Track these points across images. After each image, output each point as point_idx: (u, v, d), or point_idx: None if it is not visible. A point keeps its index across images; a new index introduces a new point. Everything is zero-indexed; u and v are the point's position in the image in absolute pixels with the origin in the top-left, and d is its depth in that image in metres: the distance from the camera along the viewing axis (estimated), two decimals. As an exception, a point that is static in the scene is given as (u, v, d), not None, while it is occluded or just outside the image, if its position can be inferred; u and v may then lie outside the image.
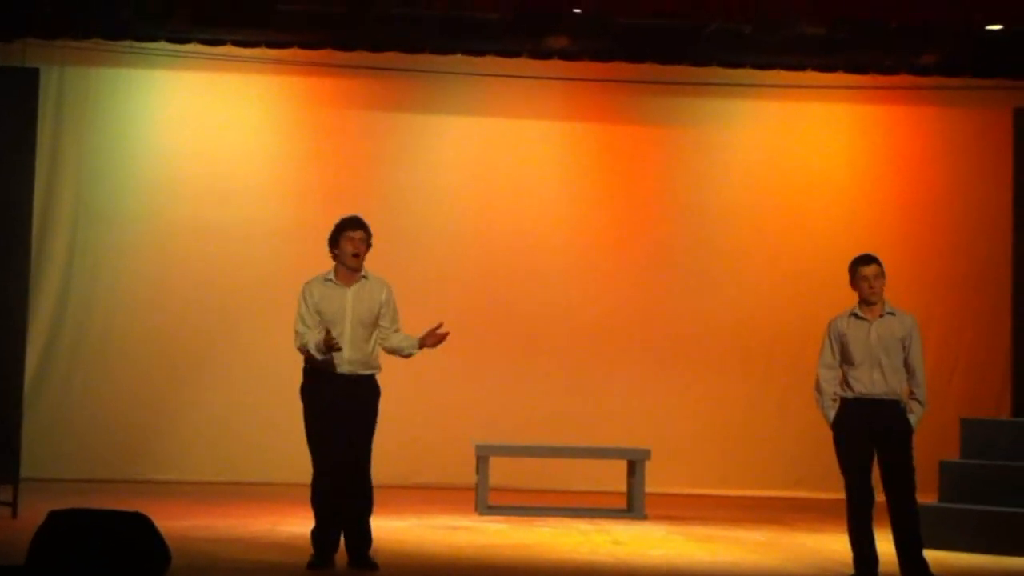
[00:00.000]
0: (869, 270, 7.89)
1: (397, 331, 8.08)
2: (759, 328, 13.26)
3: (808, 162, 13.60)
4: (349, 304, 7.94)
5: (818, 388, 7.98)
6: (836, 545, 9.25)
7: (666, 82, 13.09)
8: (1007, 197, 13.10)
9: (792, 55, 12.44)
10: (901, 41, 11.88)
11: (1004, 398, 13.12)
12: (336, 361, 7.86)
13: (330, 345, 7.74)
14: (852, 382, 7.86)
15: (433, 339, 8.07)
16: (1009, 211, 13.03)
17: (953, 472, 9.76)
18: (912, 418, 7.89)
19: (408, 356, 8.18)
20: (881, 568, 7.94)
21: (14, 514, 9.73)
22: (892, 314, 7.92)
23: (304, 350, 7.91)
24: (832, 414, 7.92)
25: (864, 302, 7.93)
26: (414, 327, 12.44)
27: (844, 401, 7.91)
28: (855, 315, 7.92)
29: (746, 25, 11.64)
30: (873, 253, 7.98)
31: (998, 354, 13.19)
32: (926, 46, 12.05)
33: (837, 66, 12.65)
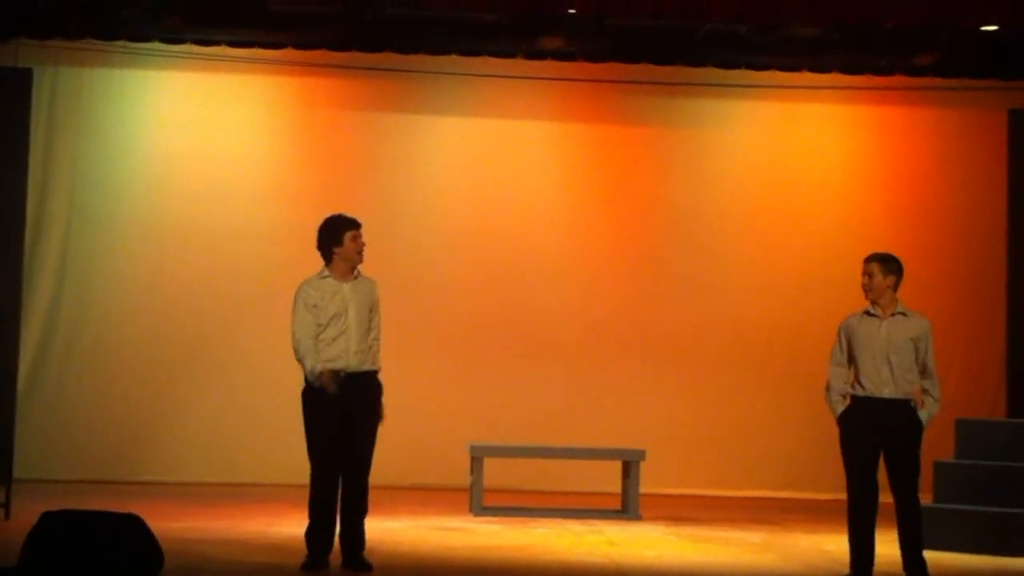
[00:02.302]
0: (864, 268, 7.96)
1: (375, 338, 8.05)
2: (754, 329, 13.21)
3: (803, 163, 13.55)
4: (350, 298, 7.93)
5: (827, 385, 8.01)
6: (831, 545, 9.24)
7: (661, 83, 13.05)
8: (1002, 198, 13.10)
9: (787, 56, 12.42)
10: (896, 42, 11.87)
11: (999, 399, 13.09)
12: (339, 367, 7.87)
13: (336, 378, 7.77)
14: (862, 380, 7.89)
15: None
16: (1004, 211, 13.03)
17: (948, 472, 9.78)
18: (923, 414, 7.93)
19: None
20: (877, 569, 7.93)
21: (7, 515, 9.70)
22: (904, 315, 7.97)
23: (301, 361, 7.89)
24: (840, 409, 7.94)
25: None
26: (410, 328, 12.40)
27: (854, 399, 7.92)
28: (867, 312, 7.97)
29: (741, 26, 11.63)
30: (877, 253, 8.03)
31: (993, 354, 13.17)
32: (922, 47, 12.05)
33: (832, 67, 12.63)
